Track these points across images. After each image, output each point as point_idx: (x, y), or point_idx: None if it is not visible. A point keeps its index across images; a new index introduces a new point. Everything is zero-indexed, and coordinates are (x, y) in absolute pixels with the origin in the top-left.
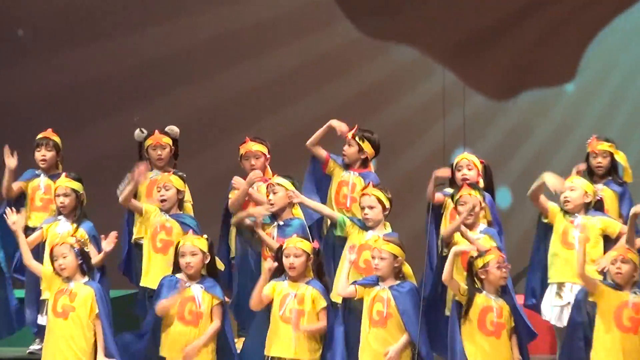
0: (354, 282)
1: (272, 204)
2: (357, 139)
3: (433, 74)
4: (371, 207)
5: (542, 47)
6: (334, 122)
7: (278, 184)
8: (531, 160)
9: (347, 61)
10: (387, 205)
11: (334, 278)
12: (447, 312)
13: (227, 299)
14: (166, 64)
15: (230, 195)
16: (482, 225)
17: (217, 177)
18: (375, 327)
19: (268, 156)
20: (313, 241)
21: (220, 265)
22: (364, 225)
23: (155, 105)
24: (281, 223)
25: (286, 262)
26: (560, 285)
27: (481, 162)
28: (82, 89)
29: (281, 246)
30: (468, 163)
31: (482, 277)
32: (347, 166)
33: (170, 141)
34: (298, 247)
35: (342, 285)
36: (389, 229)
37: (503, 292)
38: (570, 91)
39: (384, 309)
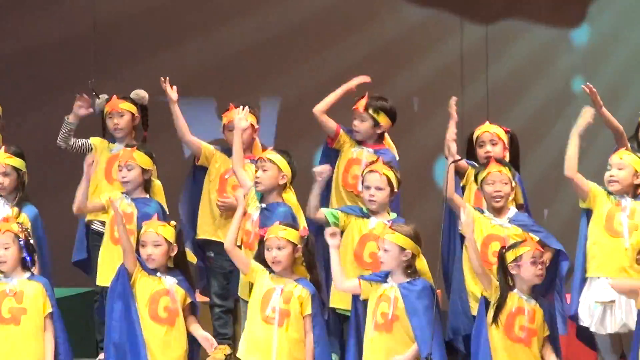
0: (361, 277)
1: (257, 183)
2: (370, 111)
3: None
4: (379, 189)
5: None
6: (357, 80)
7: (270, 161)
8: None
9: (354, 19)
10: (396, 189)
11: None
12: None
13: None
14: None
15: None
16: (512, 210)
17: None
18: (379, 332)
19: (257, 127)
20: (301, 229)
21: (191, 257)
22: (363, 211)
23: (137, 68)
24: (263, 206)
25: (268, 255)
26: (602, 281)
27: (506, 132)
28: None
29: (262, 237)
30: (492, 137)
31: (514, 272)
32: (358, 142)
33: (131, 107)
34: (281, 237)
35: (338, 279)
36: (393, 216)
37: (539, 293)
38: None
39: (390, 310)
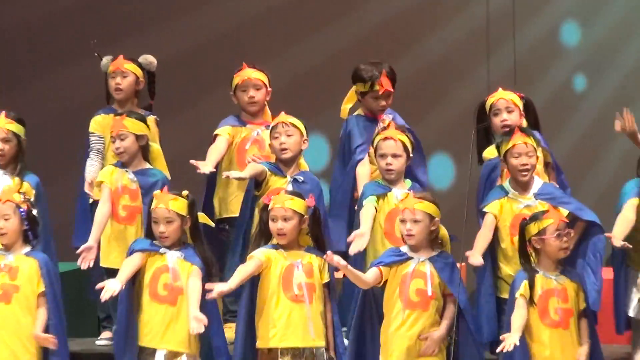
0: (375, 264)
1: (285, 150)
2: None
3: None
4: (396, 156)
5: None
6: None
7: (293, 125)
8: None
9: None
10: (411, 153)
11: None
12: (497, 293)
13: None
14: None
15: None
16: (537, 181)
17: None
18: (414, 310)
19: (269, 89)
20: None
21: (207, 220)
22: (381, 185)
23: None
24: (300, 178)
25: (273, 226)
26: None
27: (520, 97)
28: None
29: (267, 205)
30: (507, 104)
31: (537, 246)
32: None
33: (136, 70)
34: (287, 208)
35: (362, 282)
36: (409, 183)
37: (566, 265)
38: None
39: (428, 287)
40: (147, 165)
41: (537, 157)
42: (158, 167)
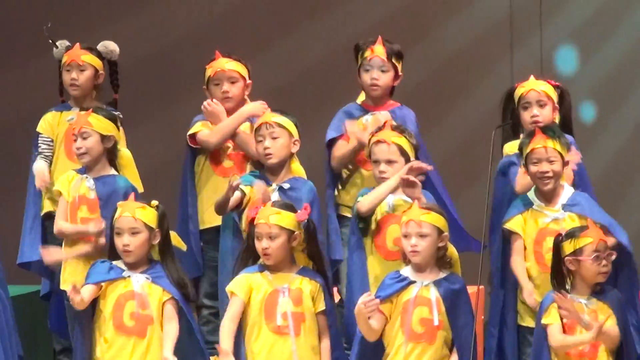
0: (377, 297)
1: (269, 155)
2: (393, 60)
3: None
4: (390, 162)
5: None
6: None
7: (279, 125)
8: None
9: None
10: (412, 157)
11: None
12: (519, 321)
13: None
14: None
15: None
16: (567, 190)
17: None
18: (418, 343)
19: (249, 81)
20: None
21: (179, 243)
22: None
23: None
24: (286, 186)
25: (258, 245)
26: None
27: (555, 87)
28: None
29: (253, 220)
30: (539, 96)
31: (572, 268)
32: (362, 108)
33: (95, 61)
34: (272, 224)
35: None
36: None
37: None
38: None
39: (434, 315)
40: (112, 172)
41: (564, 163)
42: (127, 177)
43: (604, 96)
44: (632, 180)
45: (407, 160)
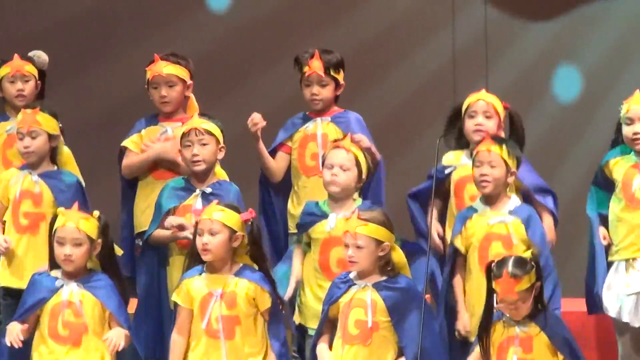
0: (326, 304)
1: (198, 162)
2: (332, 72)
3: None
4: (344, 169)
5: None
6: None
7: (208, 132)
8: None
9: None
10: (364, 173)
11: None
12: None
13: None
14: None
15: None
16: (514, 199)
17: None
18: (352, 345)
19: (189, 83)
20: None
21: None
22: (319, 210)
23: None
24: (208, 190)
25: (198, 241)
26: (632, 262)
27: (505, 107)
28: None
29: (197, 222)
30: (487, 107)
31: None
32: (306, 117)
33: (34, 70)
34: (215, 220)
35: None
36: (358, 202)
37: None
38: None
39: (368, 317)
40: (54, 168)
41: (510, 172)
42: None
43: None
44: None
45: (360, 172)
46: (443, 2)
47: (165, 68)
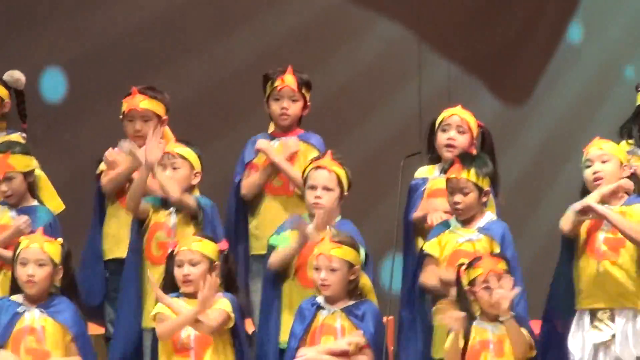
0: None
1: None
2: (303, 90)
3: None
4: (327, 189)
5: None
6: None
7: (181, 156)
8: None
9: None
10: (346, 188)
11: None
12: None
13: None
14: None
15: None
16: (487, 216)
17: None
18: None
19: (164, 118)
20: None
21: None
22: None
23: None
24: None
25: (179, 273)
26: (595, 313)
27: (479, 126)
28: None
29: (172, 251)
30: (460, 122)
31: (471, 298)
32: (269, 136)
33: (6, 94)
34: (195, 251)
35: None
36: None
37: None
38: None
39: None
40: (34, 202)
41: (483, 193)
42: (46, 197)
43: None
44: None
45: (342, 191)
46: (410, 58)
47: (142, 103)
